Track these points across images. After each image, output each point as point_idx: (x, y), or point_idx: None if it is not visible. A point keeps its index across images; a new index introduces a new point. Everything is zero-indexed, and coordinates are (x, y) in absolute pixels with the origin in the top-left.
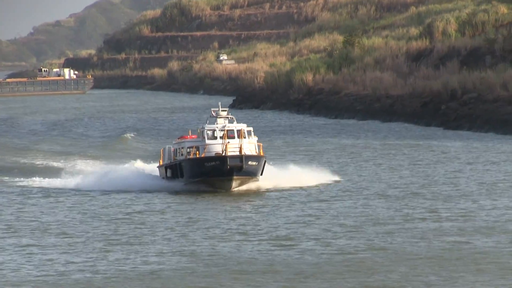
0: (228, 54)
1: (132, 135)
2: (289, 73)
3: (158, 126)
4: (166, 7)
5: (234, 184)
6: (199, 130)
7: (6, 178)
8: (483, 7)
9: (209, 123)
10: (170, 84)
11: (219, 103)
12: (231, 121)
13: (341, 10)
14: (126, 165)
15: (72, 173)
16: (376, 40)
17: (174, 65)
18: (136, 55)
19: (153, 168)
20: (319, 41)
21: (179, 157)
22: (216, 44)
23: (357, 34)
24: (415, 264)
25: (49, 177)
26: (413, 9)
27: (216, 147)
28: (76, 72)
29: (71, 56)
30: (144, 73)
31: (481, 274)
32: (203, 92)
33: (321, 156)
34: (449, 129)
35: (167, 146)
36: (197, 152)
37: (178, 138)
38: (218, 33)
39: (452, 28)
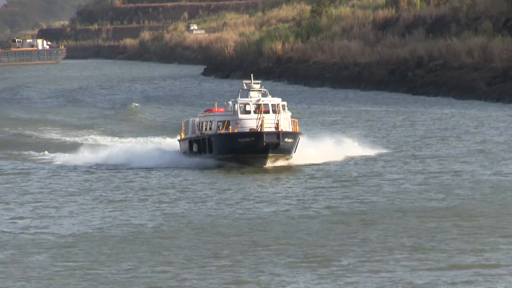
0: (198, 24)
1: (137, 104)
2: (259, 42)
3: (156, 93)
4: None
5: (268, 161)
6: (230, 103)
7: (27, 153)
8: None
9: (241, 97)
10: (142, 54)
11: (251, 75)
12: (264, 95)
13: None
14: (149, 142)
15: (92, 150)
16: (343, 10)
17: (146, 35)
18: (109, 26)
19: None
20: (287, 11)
21: (208, 131)
22: (186, 15)
23: (324, 4)
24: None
25: (71, 153)
26: None
27: (250, 122)
28: (49, 43)
29: (44, 27)
30: (116, 43)
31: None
32: (175, 61)
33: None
34: (416, 95)
35: (190, 118)
36: (229, 127)
37: (205, 111)
38: (188, 3)
39: None
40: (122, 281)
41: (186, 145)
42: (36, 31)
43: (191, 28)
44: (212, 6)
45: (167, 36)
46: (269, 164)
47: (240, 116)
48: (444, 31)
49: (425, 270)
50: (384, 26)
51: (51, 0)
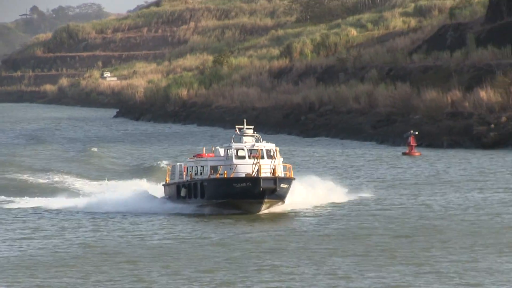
0: (111, 71)
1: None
2: (166, 88)
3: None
4: (57, 31)
5: (263, 207)
6: (220, 148)
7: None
8: (334, 30)
9: (234, 142)
10: (61, 98)
11: (244, 120)
12: (257, 140)
13: (210, 34)
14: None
15: (73, 193)
16: (242, 60)
17: (64, 81)
18: (31, 73)
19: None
20: (191, 61)
21: (199, 176)
22: (100, 63)
23: (225, 54)
24: None
25: (51, 197)
26: (272, 32)
27: (245, 167)
28: None
29: None
30: (37, 89)
31: None
32: (91, 105)
33: None
34: (308, 136)
35: (177, 163)
36: (225, 172)
37: (194, 156)
38: (102, 53)
39: (308, 48)
40: None
41: (173, 189)
42: None
43: (105, 75)
44: (124, 56)
45: (83, 82)
46: (263, 210)
47: (235, 161)
48: (333, 79)
49: None
50: (279, 74)
51: None
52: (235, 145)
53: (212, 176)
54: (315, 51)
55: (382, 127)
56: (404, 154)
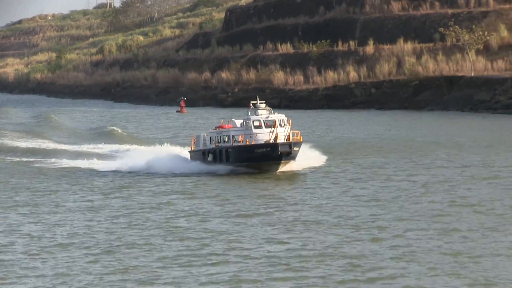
0: None
1: None
2: (27, 74)
3: None
4: None
5: (280, 167)
6: (238, 121)
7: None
8: (129, 37)
9: (251, 115)
10: None
11: (257, 97)
12: (270, 112)
13: (52, 40)
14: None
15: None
16: (73, 56)
17: None
18: None
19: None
20: (42, 57)
21: (223, 144)
22: None
23: (62, 52)
24: None
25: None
26: (91, 39)
27: (263, 135)
28: None
29: None
30: None
31: None
32: None
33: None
34: (117, 102)
35: (201, 134)
36: (247, 140)
37: (216, 128)
38: None
39: (113, 48)
40: None
41: (198, 155)
42: None
43: None
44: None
45: None
46: (280, 169)
47: (254, 130)
48: (130, 67)
49: None
50: (96, 64)
51: None
52: (252, 117)
53: (235, 144)
54: (118, 50)
55: (162, 96)
56: (177, 112)
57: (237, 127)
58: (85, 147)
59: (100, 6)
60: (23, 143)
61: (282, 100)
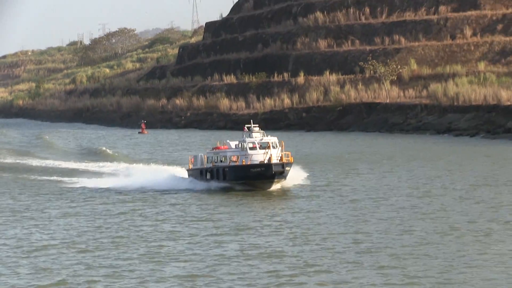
0: None
1: None
2: (11, 100)
3: None
4: None
5: (273, 185)
6: (233, 143)
7: (56, 178)
8: (97, 70)
9: (245, 137)
10: None
11: (251, 121)
12: (263, 135)
13: (32, 72)
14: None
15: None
16: (50, 85)
17: None
18: None
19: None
20: (23, 86)
21: (220, 163)
22: None
23: (40, 83)
24: None
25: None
26: (65, 71)
27: (258, 156)
28: None
29: None
30: None
31: None
32: None
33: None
34: (88, 124)
35: (199, 154)
36: (243, 160)
37: (213, 148)
38: None
39: (84, 79)
40: None
41: (196, 173)
42: None
43: None
44: None
45: None
46: (273, 187)
47: (249, 152)
48: (99, 94)
49: None
50: (70, 92)
51: None
52: (248, 139)
53: (232, 163)
54: (88, 80)
55: (126, 119)
56: (139, 133)
57: (232, 148)
58: (90, 165)
59: (72, 43)
60: (33, 161)
61: (227, 122)
